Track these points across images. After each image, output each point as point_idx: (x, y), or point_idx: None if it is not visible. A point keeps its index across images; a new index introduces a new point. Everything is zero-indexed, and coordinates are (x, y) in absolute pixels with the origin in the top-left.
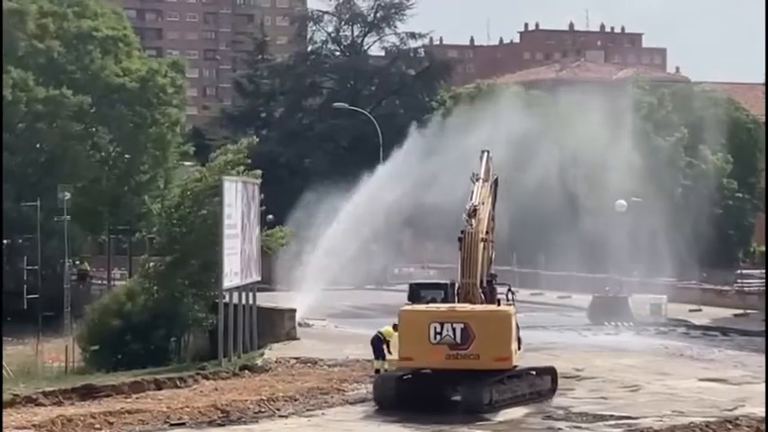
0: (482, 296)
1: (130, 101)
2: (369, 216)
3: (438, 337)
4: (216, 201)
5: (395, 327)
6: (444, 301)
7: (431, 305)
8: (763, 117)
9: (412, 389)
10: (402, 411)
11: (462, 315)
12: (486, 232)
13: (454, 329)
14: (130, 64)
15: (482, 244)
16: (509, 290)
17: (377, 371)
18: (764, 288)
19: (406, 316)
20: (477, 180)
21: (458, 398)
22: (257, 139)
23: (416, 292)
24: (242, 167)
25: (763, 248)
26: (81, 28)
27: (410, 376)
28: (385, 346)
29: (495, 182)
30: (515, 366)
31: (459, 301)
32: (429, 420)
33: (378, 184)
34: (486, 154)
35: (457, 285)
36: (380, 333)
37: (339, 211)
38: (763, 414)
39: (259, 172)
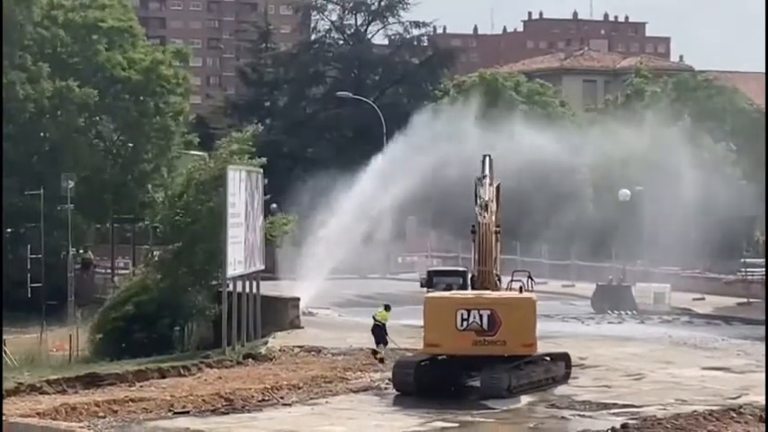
0: (497, 283)
1: (135, 90)
2: (371, 205)
3: (465, 323)
4: (220, 190)
5: (387, 307)
6: (462, 288)
7: (456, 292)
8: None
9: (431, 374)
10: (410, 398)
11: (489, 302)
12: (498, 225)
13: (481, 316)
14: (135, 54)
15: (495, 236)
16: (529, 277)
17: (381, 360)
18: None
19: (432, 302)
20: (484, 178)
21: (475, 383)
22: (261, 128)
23: (432, 279)
24: (247, 156)
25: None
26: (87, 18)
27: (428, 362)
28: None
29: (497, 188)
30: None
31: (474, 289)
32: (434, 407)
33: (380, 172)
34: (488, 158)
35: (471, 274)
36: (375, 319)
37: (342, 200)
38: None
39: (264, 160)
